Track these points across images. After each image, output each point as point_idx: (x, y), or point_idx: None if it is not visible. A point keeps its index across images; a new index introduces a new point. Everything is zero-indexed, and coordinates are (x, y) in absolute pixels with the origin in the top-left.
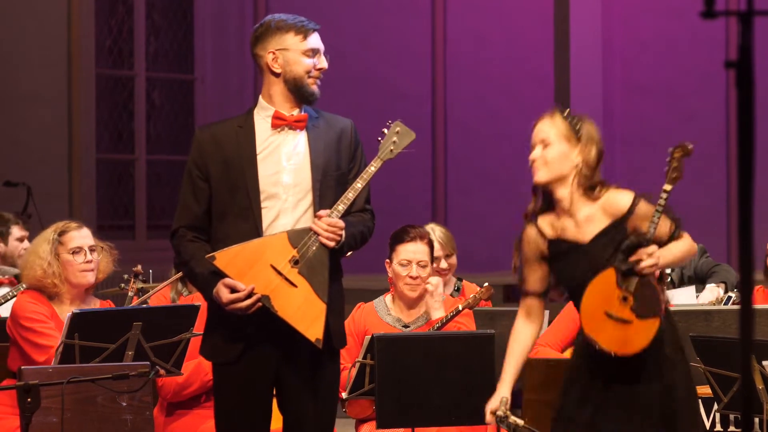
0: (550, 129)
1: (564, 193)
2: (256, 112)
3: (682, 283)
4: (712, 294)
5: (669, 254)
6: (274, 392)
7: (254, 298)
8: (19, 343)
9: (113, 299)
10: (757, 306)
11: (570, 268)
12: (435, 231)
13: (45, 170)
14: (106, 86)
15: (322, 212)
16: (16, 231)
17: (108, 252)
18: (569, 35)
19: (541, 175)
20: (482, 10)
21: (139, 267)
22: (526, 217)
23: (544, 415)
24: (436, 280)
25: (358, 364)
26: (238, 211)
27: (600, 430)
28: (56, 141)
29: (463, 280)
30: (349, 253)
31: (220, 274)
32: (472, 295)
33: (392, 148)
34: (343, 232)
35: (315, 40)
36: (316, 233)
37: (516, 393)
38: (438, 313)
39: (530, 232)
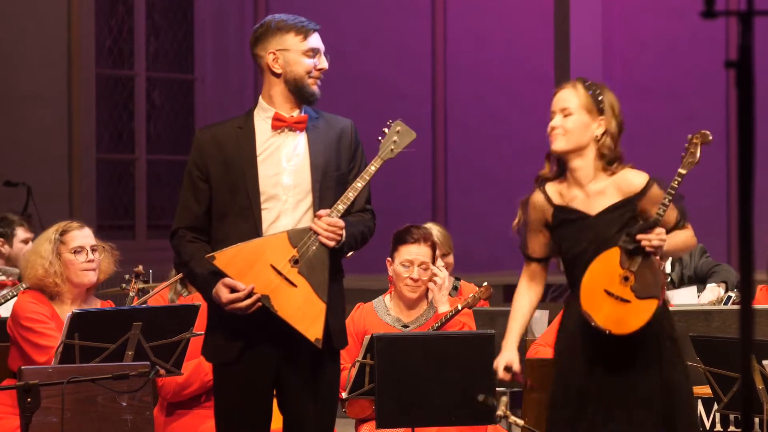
0: (572, 98)
1: (579, 163)
2: (256, 113)
3: (682, 282)
4: (712, 294)
5: (672, 240)
6: (275, 392)
7: (254, 298)
8: (20, 343)
9: (114, 299)
10: (757, 306)
11: (572, 237)
12: (432, 230)
13: (45, 170)
14: (106, 86)
15: (322, 212)
16: (21, 233)
17: (109, 252)
18: (569, 35)
19: (559, 144)
20: (482, 10)
21: (141, 267)
22: (537, 180)
23: (544, 415)
24: (444, 274)
25: (357, 364)
26: (238, 211)
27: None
28: (56, 141)
29: (461, 280)
30: (350, 254)
31: (219, 274)
32: (471, 295)
33: (393, 147)
34: (343, 232)
35: (315, 41)
36: (316, 233)
37: (516, 393)
38: (444, 307)
39: (537, 197)
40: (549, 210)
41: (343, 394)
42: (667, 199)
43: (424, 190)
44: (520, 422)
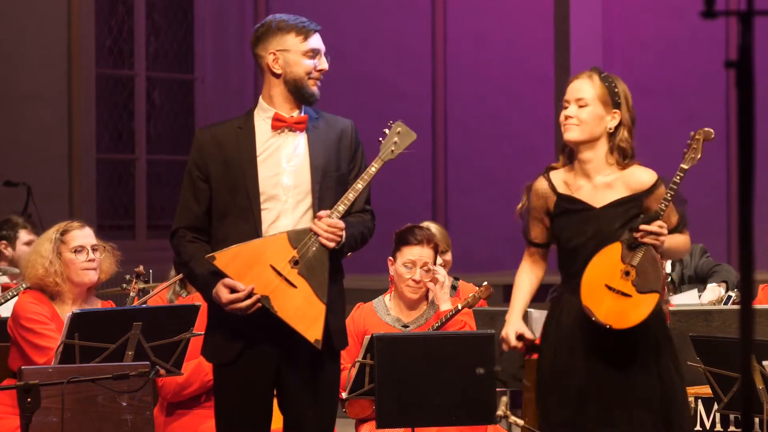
0: (588, 89)
1: (590, 155)
2: (256, 113)
3: (682, 282)
4: (713, 294)
5: (671, 240)
6: (275, 392)
7: (254, 298)
8: (19, 343)
9: (115, 299)
10: (758, 306)
11: (574, 228)
12: (430, 228)
13: (45, 170)
14: (106, 86)
15: (322, 213)
16: (24, 235)
17: (111, 253)
18: (569, 35)
19: (573, 134)
20: (482, 10)
21: (141, 268)
22: (546, 170)
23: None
24: (444, 272)
25: (357, 364)
26: (238, 212)
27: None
28: (56, 141)
29: (460, 280)
30: (349, 254)
31: (219, 275)
32: (471, 294)
33: (393, 148)
34: (343, 233)
35: (316, 41)
36: (316, 234)
37: (516, 393)
38: (446, 305)
39: (541, 184)
40: (552, 198)
41: (343, 394)
42: (669, 195)
43: (424, 190)
44: (520, 422)
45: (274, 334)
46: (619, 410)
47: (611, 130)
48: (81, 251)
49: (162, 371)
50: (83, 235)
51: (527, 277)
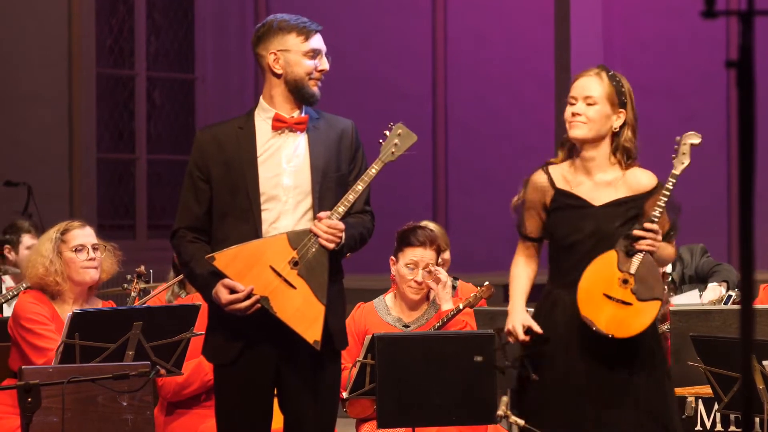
0: (598, 87)
1: (593, 153)
2: (256, 113)
3: (683, 282)
4: (714, 293)
5: (661, 248)
6: (275, 392)
7: (253, 299)
8: (19, 343)
9: (115, 299)
10: (758, 306)
11: (571, 224)
12: (427, 227)
13: (45, 170)
14: (107, 86)
15: (322, 214)
16: (27, 239)
17: (112, 253)
18: (570, 35)
19: (580, 132)
20: (483, 9)
21: (143, 268)
22: (544, 164)
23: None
24: (445, 272)
25: (358, 364)
26: (238, 212)
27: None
28: (57, 141)
29: (459, 280)
30: (348, 255)
31: (219, 275)
32: (473, 294)
33: (393, 150)
34: (342, 234)
35: (317, 42)
36: (315, 235)
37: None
38: (448, 305)
39: (540, 177)
40: (550, 192)
41: (344, 394)
42: (662, 201)
43: (425, 191)
44: (521, 422)
45: (274, 334)
46: (617, 410)
47: (616, 130)
48: (82, 250)
49: (162, 371)
50: (84, 234)
51: (524, 270)
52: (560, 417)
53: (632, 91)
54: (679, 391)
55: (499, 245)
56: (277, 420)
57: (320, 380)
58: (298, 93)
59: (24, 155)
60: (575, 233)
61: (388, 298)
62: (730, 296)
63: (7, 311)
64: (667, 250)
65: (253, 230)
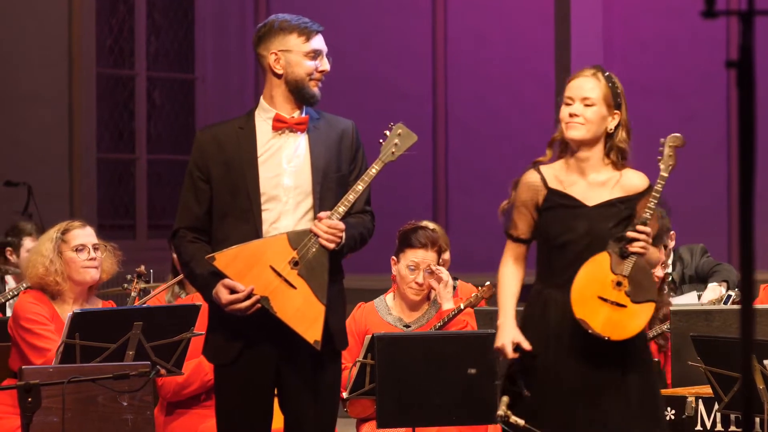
0: (595, 89)
1: (588, 153)
2: (257, 113)
3: (683, 282)
4: (714, 293)
5: (650, 251)
6: (275, 392)
7: (253, 299)
8: (18, 343)
9: (115, 299)
10: (758, 306)
11: (564, 224)
12: (428, 227)
13: (45, 170)
14: (107, 86)
15: (322, 214)
16: (28, 242)
17: (112, 253)
18: (570, 35)
19: (578, 133)
20: (483, 9)
21: (143, 268)
22: (534, 164)
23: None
24: (446, 272)
25: (358, 364)
26: (238, 212)
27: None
28: (57, 140)
29: (458, 280)
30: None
31: (219, 275)
32: (474, 294)
33: (394, 150)
34: (343, 234)
35: (318, 42)
36: (316, 235)
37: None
38: (449, 304)
39: (533, 176)
40: (543, 192)
41: (344, 394)
42: (652, 203)
43: (425, 191)
44: (521, 422)
45: (274, 334)
46: (610, 410)
47: (611, 131)
48: (82, 250)
49: (162, 371)
50: (84, 234)
51: (513, 277)
52: (554, 418)
53: (624, 91)
54: (679, 391)
55: (499, 245)
56: (278, 420)
57: (320, 380)
58: (298, 93)
59: (24, 155)
60: (568, 233)
61: (389, 298)
62: (729, 296)
63: (10, 311)
64: (655, 254)
65: (254, 230)
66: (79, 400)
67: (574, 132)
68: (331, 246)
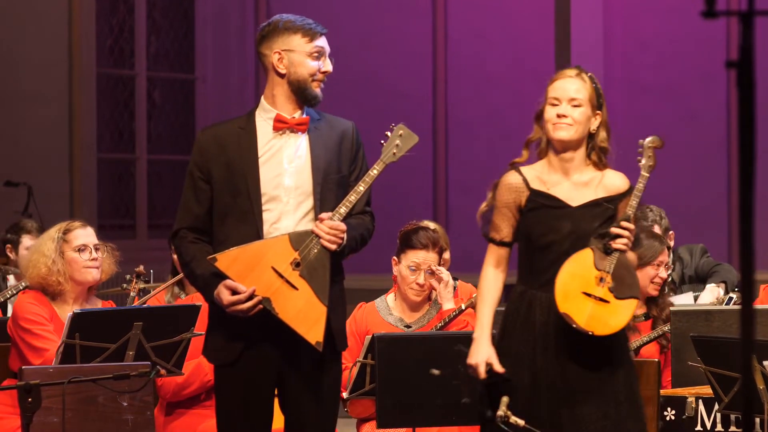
0: (581, 89)
1: (573, 154)
2: (257, 113)
3: (683, 282)
4: (712, 294)
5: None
6: (276, 392)
7: (255, 300)
8: (17, 343)
9: (115, 299)
10: (758, 306)
11: (548, 224)
12: (429, 227)
13: (46, 170)
14: (107, 85)
15: (324, 215)
16: (27, 240)
17: (110, 253)
18: (570, 35)
19: (567, 134)
20: (483, 9)
21: (142, 267)
22: (512, 166)
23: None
24: (446, 272)
25: (358, 364)
26: (239, 213)
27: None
28: (57, 140)
29: (458, 280)
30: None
31: (220, 276)
32: (474, 295)
33: (395, 151)
34: (344, 235)
35: (322, 43)
36: (317, 236)
37: None
38: (449, 304)
39: (514, 178)
40: (525, 193)
41: (344, 394)
42: (635, 201)
43: (425, 191)
44: (521, 422)
45: (275, 334)
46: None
47: (593, 131)
48: (84, 250)
49: (163, 371)
50: (86, 234)
51: (494, 286)
52: (545, 418)
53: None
54: (679, 391)
55: None
56: (278, 420)
57: (321, 381)
58: (300, 93)
59: (24, 155)
60: (552, 233)
61: (390, 298)
62: (731, 298)
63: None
64: (631, 255)
65: (254, 231)
66: (80, 401)
67: (563, 133)
68: (333, 247)
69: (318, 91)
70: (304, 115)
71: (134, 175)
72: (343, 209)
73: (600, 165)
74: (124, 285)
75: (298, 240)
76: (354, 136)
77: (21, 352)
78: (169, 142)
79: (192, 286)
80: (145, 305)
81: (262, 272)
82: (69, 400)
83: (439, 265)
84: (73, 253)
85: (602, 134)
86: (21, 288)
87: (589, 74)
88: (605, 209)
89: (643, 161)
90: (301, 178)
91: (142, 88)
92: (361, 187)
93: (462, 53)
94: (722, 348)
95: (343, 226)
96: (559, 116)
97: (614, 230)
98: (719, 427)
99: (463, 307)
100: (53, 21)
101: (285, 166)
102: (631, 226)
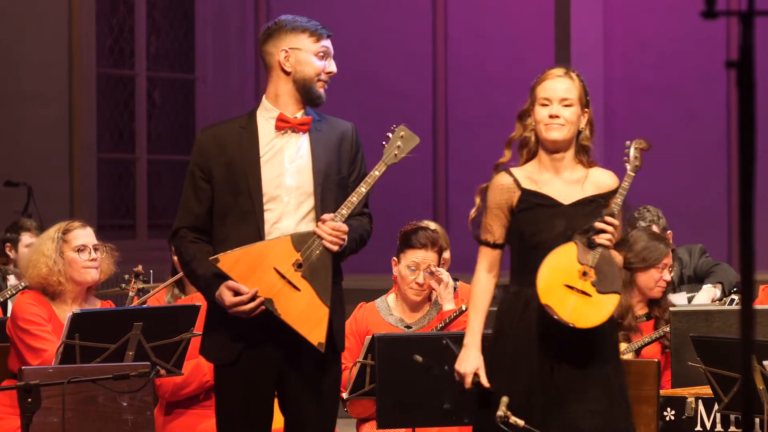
0: (572, 89)
1: (563, 153)
2: (259, 113)
3: (681, 282)
4: (708, 295)
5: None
6: (275, 392)
7: (257, 301)
8: (16, 343)
9: (114, 299)
10: (758, 306)
11: (540, 223)
12: (429, 227)
13: (46, 170)
14: (107, 85)
15: (325, 216)
16: (27, 238)
17: (109, 253)
18: (570, 35)
19: (559, 134)
20: (483, 9)
21: (140, 267)
22: (496, 168)
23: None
24: (446, 273)
25: (358, 365)
26: (240, 213)
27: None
28: (57, 140)
29: (459, 281)
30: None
31: (222, 276)
32: None
33: (396, 152)
34: (346, 236)
35: (328, 44)
36: (319, 237)
37: None
38: (450, 305)
39: (504, 179)
40: (516, 193)
41: (344, 395)
42: (620, 199)
43: (425, 191)
44: (521, 422)
45: (276, 334)
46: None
47: (581, 130)
48: (84, 250)
49: (162, 371)
50: (85, 234)
51: (486, 291)
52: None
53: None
54: (679, 391)
55: None
56: (278, 420)
57: (321, 381)
58: (305, 93)
59: (24, 155)
60: (545, 231)
61: (390, 298)
62: (733, 299)
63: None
64: (618, 257)
65: (255, 231)
66: (79, 401)
67: (555, 133)
68: (335, 248)
69: (322, 91)
70: (306, 116)
71: (134, 175)
72: (345, 210)
73: (586, 163)
74: (123, 285)
75: (300, 241)
76: (353, 137)
77: (19, 352)
78: (169, 142)
79: (192, 285)
80: (145, 305)
81: (264, 273)
82: (69, 401)
83: (439, 264)
84: (73, 253)
85: (586, 132)
86: (21, 288)
87: (576, 72)
88: (596, 207)
89: (630, 161)
90: (302, 178)
91: (142, 88)
92: (363, 189)
93: (462, 53)
94: (722, 348)
95: (345, 227)
96: (551, 117)
97: (598, 225)
98: (719, 427)
99: (464, 308)
100: (53, 21)
101: (286, 165)
102: (616, 221)
